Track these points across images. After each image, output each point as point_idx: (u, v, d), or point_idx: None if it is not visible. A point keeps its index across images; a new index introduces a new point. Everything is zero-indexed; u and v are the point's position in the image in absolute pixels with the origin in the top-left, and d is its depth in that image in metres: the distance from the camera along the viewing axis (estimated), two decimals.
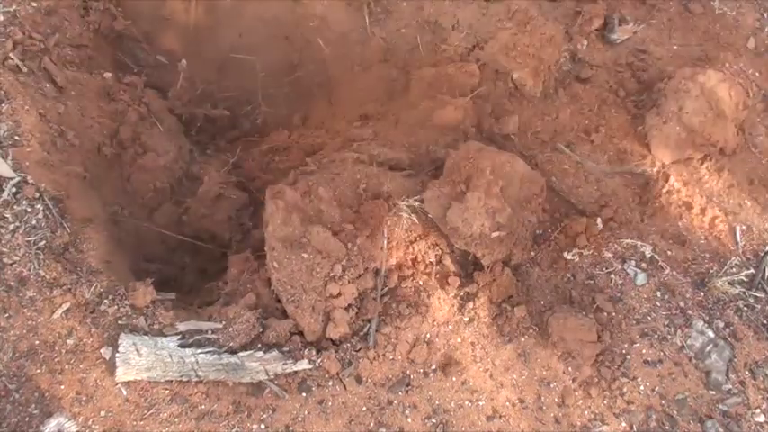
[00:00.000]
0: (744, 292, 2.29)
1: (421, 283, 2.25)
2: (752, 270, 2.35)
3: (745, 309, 2.27)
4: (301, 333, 2.11)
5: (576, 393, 2.10)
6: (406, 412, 2.01)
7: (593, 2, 2.86)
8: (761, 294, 2.30)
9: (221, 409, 1.95)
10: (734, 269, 2.34)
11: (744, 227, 2.45)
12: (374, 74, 2.98)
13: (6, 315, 1.93)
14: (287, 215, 2.20)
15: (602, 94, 2.77)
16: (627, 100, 2.74)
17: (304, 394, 2.00)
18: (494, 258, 2.27)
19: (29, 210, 2.05)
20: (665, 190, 2.50)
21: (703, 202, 2.48)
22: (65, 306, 1.96)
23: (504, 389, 2.08)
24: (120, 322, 1.98)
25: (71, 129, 2.34)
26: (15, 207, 2.05)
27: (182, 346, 1.97)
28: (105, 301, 2.00)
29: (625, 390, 2.10)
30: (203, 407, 1.95)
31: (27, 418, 1.86)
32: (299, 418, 1.97)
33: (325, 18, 3.00)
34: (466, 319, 2.18)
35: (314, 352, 2.04)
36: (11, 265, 1.98)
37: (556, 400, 2.09)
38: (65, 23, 2.49)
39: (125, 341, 1.94)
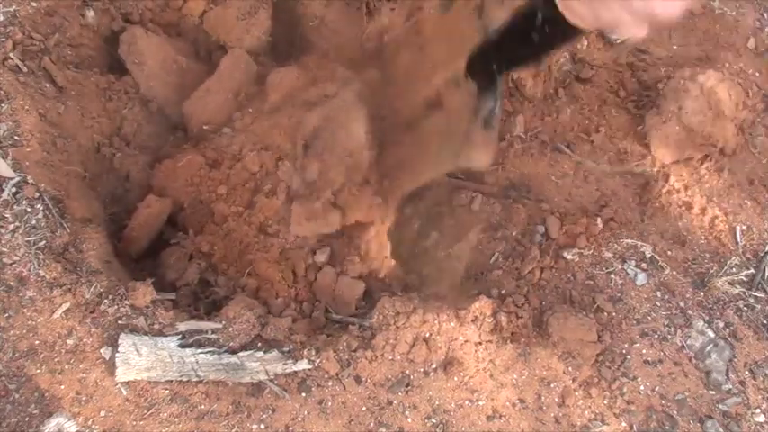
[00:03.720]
0: (744, 292, 2.29)
1: None
2: (752, 270, 2.35)
3: (745, 309, 2.27)
4: None
5: (576, 393, 2.10)
6: (406, 412, 2.01)
7: None
8: (761, 294, 2.30)
9: (221, 409, 1.95)
10: (734, 269, 2.34)
11: (744, 227, 2.45)
12: None
13: (6, 315, 1.93)
14: None
15: (602, 94, 2.76)
16: (627, 100, 2.74)
17: (304, 394, 2.00)
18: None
19: (29, 210, 2.05)
20: (665, 190, 2.50)
21: (703, 202, 2.48)
22: (65, 306, 1.96)
23: (505, 389, 2.08)
24: (120, 322, 1.98)
25: (71, 128, 2.34)
26: (15, 207, 2.04)
27: (182, 346, 1.97)
28: (105, 301, 1.99)
29: (625, 390, 2.10)
30: (203, 407, 1.95)
31: (27, 418, 1.86)
32: (299, 418, 1.97)
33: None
34: (466, 318, 2.17)
35: (313, 352, 2.04)
36: (11, 265, 1.98)
37: (556, 400, 2.09)
38: (65, 23, 2.48)
39: (125, 341, 1.93)
